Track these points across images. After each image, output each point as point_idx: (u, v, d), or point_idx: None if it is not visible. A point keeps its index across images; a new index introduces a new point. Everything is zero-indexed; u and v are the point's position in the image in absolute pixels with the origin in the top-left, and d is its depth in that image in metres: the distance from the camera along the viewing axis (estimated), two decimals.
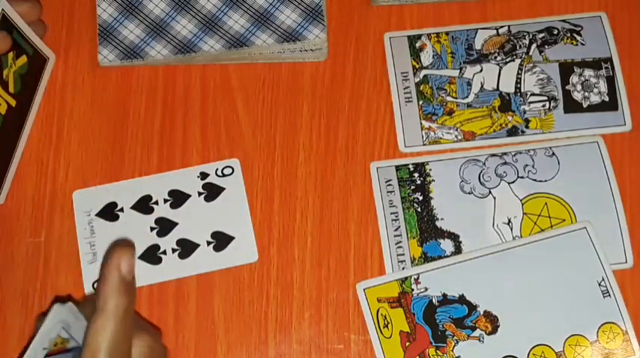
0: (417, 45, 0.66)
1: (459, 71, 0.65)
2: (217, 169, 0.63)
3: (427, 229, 0.62)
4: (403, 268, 0.61)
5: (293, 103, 0.65)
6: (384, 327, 0.59)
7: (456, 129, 0.64)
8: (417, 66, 0.66)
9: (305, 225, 0.63)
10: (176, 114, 0.66)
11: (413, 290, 0.60)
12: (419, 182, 0.63)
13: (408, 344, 0.59)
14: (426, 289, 0.60)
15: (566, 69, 0.65)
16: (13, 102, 0.63)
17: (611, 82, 0.64)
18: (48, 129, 0.66)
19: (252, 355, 0.60)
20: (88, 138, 0.65)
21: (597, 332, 0.58)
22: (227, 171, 0.63)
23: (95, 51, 0.66)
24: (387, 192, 0.63)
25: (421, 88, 0.65)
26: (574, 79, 0.64)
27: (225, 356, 0.60)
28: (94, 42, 0.67)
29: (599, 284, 0.59)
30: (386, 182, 0.63)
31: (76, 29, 0.68)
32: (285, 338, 0.61)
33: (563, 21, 0.66)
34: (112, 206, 0.63)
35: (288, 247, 0.62)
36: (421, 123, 0.64)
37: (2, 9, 0.60)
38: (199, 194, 0.63)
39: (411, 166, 0.63)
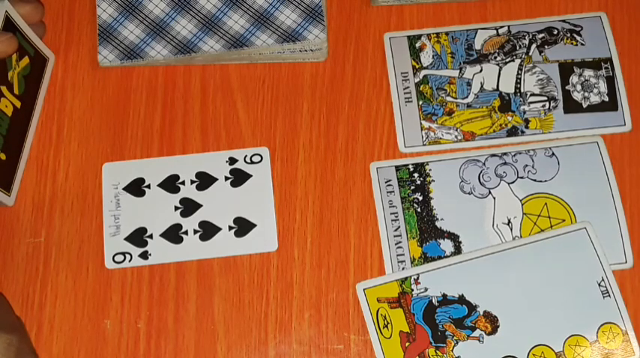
0: (417, 45, 0.66)
1: (458, 71, 0.65)
2: (246, 156, 0.64)
3: (427, 229, 0.62)
4: (403, 268, 0.61)
5: (293, 103, 0.66)
6: (383, 327, 0.59)
7: (456, 130, 0.64)
8: (417, 66, 0.66)
9: (305, 225, 0.63)
10: (176, 114, 0.66)
11: (413, 290, 0.60)
12: (419, 182, 0.63)
13: (407, 344, 0.59)
14: (426, 289, 0.60)
15: (566, 69, 0.65)
16: (18, 104, 0.63)
17: (611, 82, 0.64)
18: (48, 129, 0.66)
19: (252, 355, 0.60)
20: (88, 138, 0.65)
21: (597, 333, 0.58)
22: (256, 158, 0.63)
23: (95, 51, 0.66)
24: (387, 192, 0.63)
25: (421, 88, 0.65)
26: (574, 79, 0.64)
27: (225, 356, 0.60)
28: (94, 42, 0.67)
29: (599, 285, 0.59)
30: (386, 182, 0.63)
31: (76, 29, 0.68)
32: (285, 338, 0.61)
33: (563, 21, 0.66)
34: (139, 181, 0.63)
35: (288, 247, 0.62)
36: (421, 124, 0.64)
37: (6, 11, 0.60)
38: (226, 178, 0.63)
39: (410, 166, 0.63)
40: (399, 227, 0.62)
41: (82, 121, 0.66)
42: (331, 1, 0.67)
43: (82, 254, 0.63)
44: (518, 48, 0.65)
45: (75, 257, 0.62)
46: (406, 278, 0.60)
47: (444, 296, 0.60)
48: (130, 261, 0.62)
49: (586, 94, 0.64)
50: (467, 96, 0.65)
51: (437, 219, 0.62)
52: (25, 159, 0.64)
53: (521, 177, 0.63)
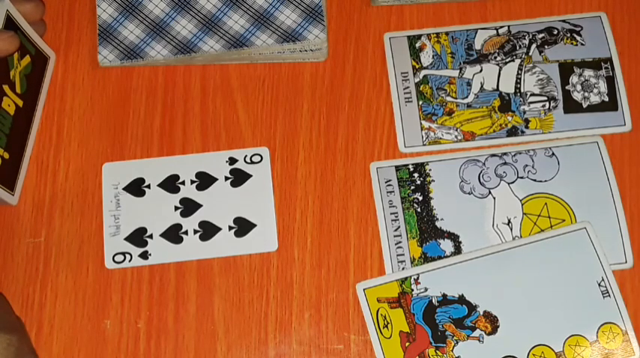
0: (417, 45, 0.66)
1: (458, 71, 0.65)
2: (246, 156, 0.64)
3: (427, 229, 0.62)
4: (403, 268, 0.61)
5: (293, 103, 0.66)
6: (383, 327, 0.59)
7: (456, 130, 0.64)
8: (417, 66, 0.66)
9: (305, 225, 0.63)
10: (176, 114, 0.66)
11: (413, 290, 0.60)
12: (419, 182, 0.63)
13: (407, 344, 0.59)
14: (426, 289, 0.60)
15: (566, 69, 0.65)
16: (20, 103, 0.63)
17: (610, 82, 0.64)
18: (48, 129, 0.66)
19: (252, 355, 0.60)
20: (88, 138, 0.65)
21: (597, 333, 0.58)
22: (256, 158, 0.63)
23: (95, 51, 0.66)
24: (387, 192, 0.63)
25: (421, 88, 0.65)
26: (574, 79, 0.64)
27: (225, 356, 0.60)
28: (94, 42, 0.67)
29: (599, 285, 0.59)
30: (386, 182, 0.63)
31: (76, 29, 0.68)
32: (285, 338, 0.61)
33: (563, 21, 0.66)
34: (139, 181, 0.63)
35: (288, 247, 0.62)
36: (421, 124, 0.64)
37: (7, 10, 0.60)
38: (226, 178, 0.63)
39: (410, 166, 0.63)
40: (399, 227, 0.62)
41: (82, 121, 0.66)
42: (331, 1, 0.67)
43: (82, 254, 0.63)
44: (518, 48, 0.65)
45: (75, 257, 0.62)
46: (406, 278, 0.60)
47: (444, 296, 0.60)
48: (130, 261, 0.62)
49: (586, 94, 0.64)
50: (467, 96, 0.65)
51: (437, 219, 0.62)
52: (27, 158, 0.64)
53: (521, 177, 0.63)
